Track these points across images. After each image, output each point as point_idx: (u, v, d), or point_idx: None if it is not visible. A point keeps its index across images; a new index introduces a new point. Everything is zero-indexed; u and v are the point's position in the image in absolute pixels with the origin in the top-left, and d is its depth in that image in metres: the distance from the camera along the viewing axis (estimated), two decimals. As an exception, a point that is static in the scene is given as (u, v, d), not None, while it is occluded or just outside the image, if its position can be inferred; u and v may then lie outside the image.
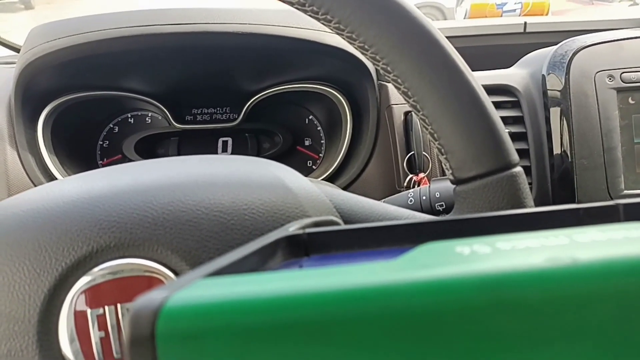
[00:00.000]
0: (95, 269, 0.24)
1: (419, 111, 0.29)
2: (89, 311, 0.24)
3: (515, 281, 0.11)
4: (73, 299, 0.24)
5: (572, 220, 0.19)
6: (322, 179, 0.64)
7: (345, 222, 0.29)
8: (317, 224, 0.22)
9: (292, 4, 0.29)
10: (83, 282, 0.24)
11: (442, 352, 0.11)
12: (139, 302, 0.12)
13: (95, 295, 0.24)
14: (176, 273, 0.25)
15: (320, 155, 0.71)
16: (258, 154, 0.71)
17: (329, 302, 0.11)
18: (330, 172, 0.64)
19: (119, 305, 0.24)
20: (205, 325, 0.11)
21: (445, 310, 0.11)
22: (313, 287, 0.12)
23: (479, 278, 0.11)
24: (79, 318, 0.23)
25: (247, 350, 0.11)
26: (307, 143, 0.72)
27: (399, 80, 0.29)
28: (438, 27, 0.29)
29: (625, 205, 0.19)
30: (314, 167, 0.71)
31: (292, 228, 0.20)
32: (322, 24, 0.29)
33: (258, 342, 0.11)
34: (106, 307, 0.24)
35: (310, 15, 0.29)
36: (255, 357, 0.11)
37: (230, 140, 0.71)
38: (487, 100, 0.28)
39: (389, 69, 0.29)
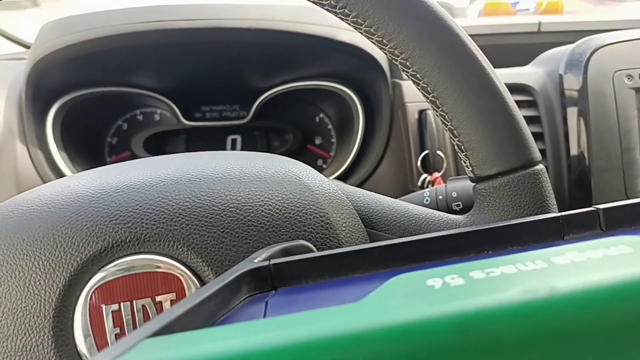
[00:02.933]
0: (111, 265, 0.24)
1: (438, 107, 0.28)
2: (104, 307, 0.23)
3: (489, 318, 0.10)
4: (88, 294, 0.23)
5: (553, 230, 0.19)
6: (333, 178, 0.63)
7: (363, 220, 0.28)
8: (286, 251, 0.21)
9: None
10: (98, 277, 0.23)
11: None
12: None
13: (111, 292, 0.23)
14: (192, 269, 0.24)
15: (331, 154, 0.70)
16: (267, 152, 0.70)
17: (284, 358, 0.10)
18: (342, 172, 0.63)
19: (134, 302, 0.23)
20: None
21: (415, 355, 0.10)
22: (269, 343, 0.10)
23: (448, 318, 0.10)
24: (94, 314, 0.23)
25: None
26: (317, 142, 0.71)
27: (418, 76, 0.28)
28: (453, 24, 0.28)
29: (605, 209, 0.19)
30: (324, 166, 0.70)
31: (259, 258, 0.19)
32: (340, 18, 0.28)
33: None
34: (121, 304, 0.23)
35: (327, 10, 0.28)
36: None
37: (239, 138, 0.70)
38: (509, 96, 0.28)
39: (408, 64, 0.28)
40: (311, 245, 0.24)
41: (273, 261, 0.18)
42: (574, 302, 0.11)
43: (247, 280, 0.18)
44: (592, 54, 0.57)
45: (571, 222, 0.19)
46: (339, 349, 0.10)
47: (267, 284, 0.18)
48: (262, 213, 0.25)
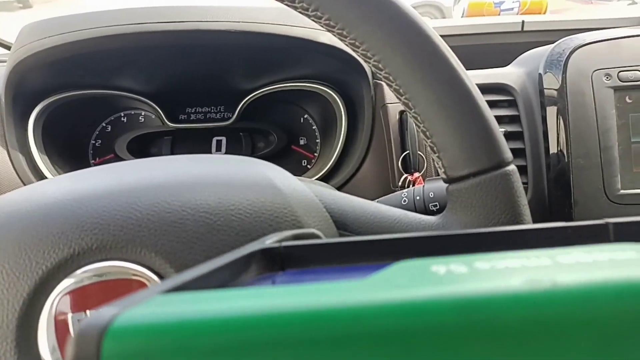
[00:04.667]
0: (77, 272, 0.23)
1: (411, 109, 0.29)
2: (69, 315, 0.23)
3: (489, 304, 0.11)
4: (53, 303, 0.23)
5: (560, 239, 0.18)
6: (317, 178, 0.63)
7: (335, 222, 0.28)
8: (296, 237, 0.21)
9: (282, 1, 0.28)
10: (64, 285, 0.23)
11: None
12: (87, 320, 0.11)
13: (76, 299, 0.23)
14: (160, 276, 0.24)
15: (315, 154, 0.71)
16: (252, 153, 0.70)
17: (291, 323, 0.11)
18: (325, 172, 0.64)
19: None
20: (154, 346, 0.10)
21: (415, 333, 0.10)
22: (275, 307, 0.11)
23: (451, 300, 0.11)
24: (60, 323, 0.23)
25: None
26: (302, 142, 0.71)
27: (391, 78, 0.28)
28: (435, 26, 0.29)
29: (615, 224, 0.18)
30: (308, 166, 0.70)
31: (270, 240, 0.19)
32: (313, 20, 0.28)
33: None
34: (87, 312, 0.23)
35: (300, 12, 0.28)
36: None
37: (224, 139, 0.70)
38: (481, 98, 0.28)
39: (380, 66, 0.28)
40: (321, 234, 0.24)
41: (284, 243, 0.19)
42: (575, 296, 0.11)
43: (257, 259, 0.18)
44: (571, 53, 0.57)
45: (580, 233, 0.19)
46: (344, 318, 0.11)
47: (277, 265, 0.19)
48: (232, 218, 0.25)
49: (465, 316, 0.10)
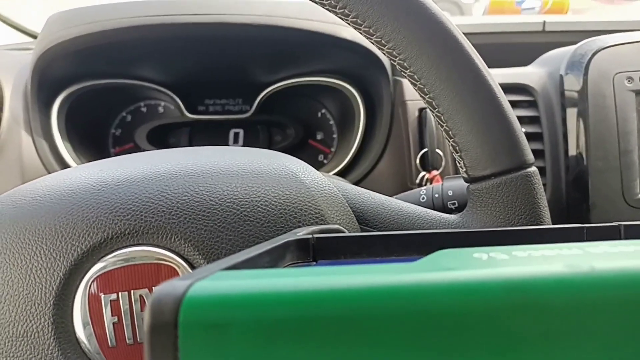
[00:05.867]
0: (109, 256, 0.24)
1: (434, 108, 0.29)
2: (102, 296, 0.24)
3: (539, 285, 0.11)
4: (88, 283, 0.24)
5: (576, 239, 0.20)
6: (333, 174, 0.64)
7: (357, 217, 0.29)
8: (323, 232, 0.22)
9: None
10: (97, 267, 0.24)
11: (465, 352, 0.11)
12: (161, 289, 0.11)
13: (109, 281, 0.24)
14: (188, 262, 0.25)
15: (332, 149, 0.71)
16: (269, 146, 0.71)
17: (355, 298, 0.11)
18: (342, 167, 0.64)
19: (132, 292, 0.24)
20: (229, 315, 0.11)
21: (470, 312, 0.11)
22: (337, 284, 0.12)
23: (503, 281, 0.11)
24: (93, 303, 0.24)
25: (270, 343, 0.11)
26: (319, 137, 0.72)
27: (415, 77, 0.28)
28: (455, 23, 0.29)
29: (626, 226, 0.20)
30: (325, 161, 0.71)
31: (300, 233, 0.20)
32: (340, 17, 0.29)
33: (281, 335, 0.11)
34: (120, 293, 0.24)
35: (327, 9, 0.29)
36: (278, 350, 0.11)
37: (241, 131, 0.71)
38: (504, 99, 0.28)
39: (405, 64, 0.28)
40: (345, 230, 0.25)
41: (316, 235, 0.19)
42: (613, 279, 0.12)
43: (292, 249, 0.19)
44: (593, 55, 0.57)
45: (593, 233, 0.20)
46: (404, 297, 0.11)
47: (309, 256, 0.19)
48: (259, 208, 0.26)
49: (515, 296, 0.11)
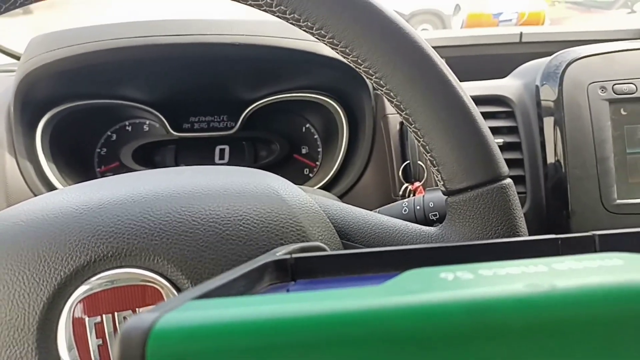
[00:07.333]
0: (93, 278, 0.24)
1: (411, 124, 0.30)
2: (87, 319, 0.24)
3: (498, 306, 0.12)
4: (71, 307, 0.24)
5: (551, 250, 0.20)
6: (319, 187, 0.64)
7: (339, 232, 0.29)
8: (303, 250, 0.22)
9: (287, 20, 0.29)
10: (81, 290, 0.24)
11: None
12: (130, 322, 0.12)
13: (93, 304, 0.24)
14: (172, 283, 0.25)
15: (317, 163, 0.72)
16: (255, 162, 0.71)
17: (318, 325, 0.12)
18: (327, 181, 0.65)
19: (116, 314, 0.24)
20: (195, 347, 0.11)
21: (429, 335, 0.11)
22: (302, 311, 0.12)
23: (463, 303, 0.12)
24: (77, 326, 0.24)
25: None
26: (304, 151, 0.73)
27: (392, 94, 0.29)
28: (434, 37, 0.30)
29: (600, 235, 0.20)
30: (310, 175, 0.71)
31: (279, 253, 0.20)
32: (317, 38, 0.30)
33: None
34: (104, 316, 0.24)
35: (305, 31, 0.30)
36: None
37: (227, 148, 0.71)
38: (477, 113, 0.29)
39: (381, 82, 0.29)
40: (326, 247, 0.25)
41: (294, 255, 0.20)
42: (572, 298, 0.12)
43: (270, 270, 0.19)
44: (567, 66, 0.59)
45: (568, 244, 0.20)
46: (365, 322, 0.12)
47: (288, 276, 0.20)
48: (240, 227, 0.26)
49: (475, 317, 0.12)
